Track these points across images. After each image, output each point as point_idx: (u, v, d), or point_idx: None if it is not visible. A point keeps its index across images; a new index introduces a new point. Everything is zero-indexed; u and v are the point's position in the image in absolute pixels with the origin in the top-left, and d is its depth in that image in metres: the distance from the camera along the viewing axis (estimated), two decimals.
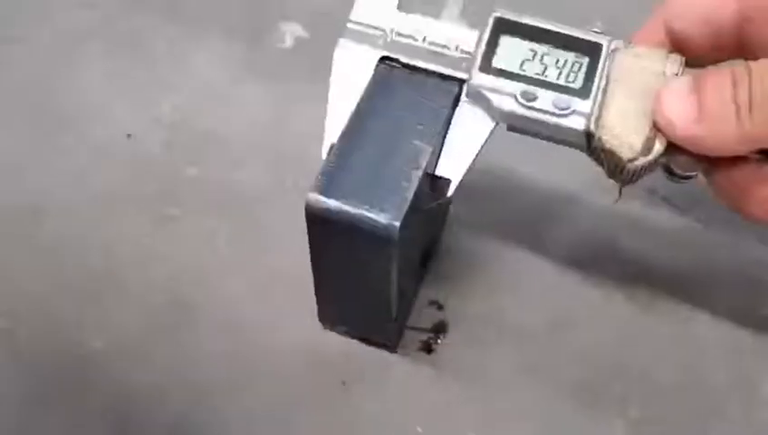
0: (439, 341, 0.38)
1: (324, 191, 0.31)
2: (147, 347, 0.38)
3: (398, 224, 0.31)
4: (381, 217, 0.31)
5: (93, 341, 0.38)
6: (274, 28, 0.50)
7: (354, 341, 0.38)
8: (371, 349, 0.38)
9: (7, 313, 0.39)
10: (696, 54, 0.34)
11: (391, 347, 0.38)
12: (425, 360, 0.38)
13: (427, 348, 0.38)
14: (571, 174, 0.43)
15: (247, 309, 0.39)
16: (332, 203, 0.31)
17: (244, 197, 0.43)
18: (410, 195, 0.32)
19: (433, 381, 0.37)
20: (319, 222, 0.32)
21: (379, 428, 0.36)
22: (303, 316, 0.38)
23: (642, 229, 0.42)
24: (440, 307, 0.39)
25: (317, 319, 0.38)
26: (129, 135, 0.45)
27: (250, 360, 0.37)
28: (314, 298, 0.37)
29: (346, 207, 0.31)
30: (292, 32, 0.50)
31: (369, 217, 0.31)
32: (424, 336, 0.38)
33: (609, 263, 0.41)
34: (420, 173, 0.32)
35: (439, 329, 0.39)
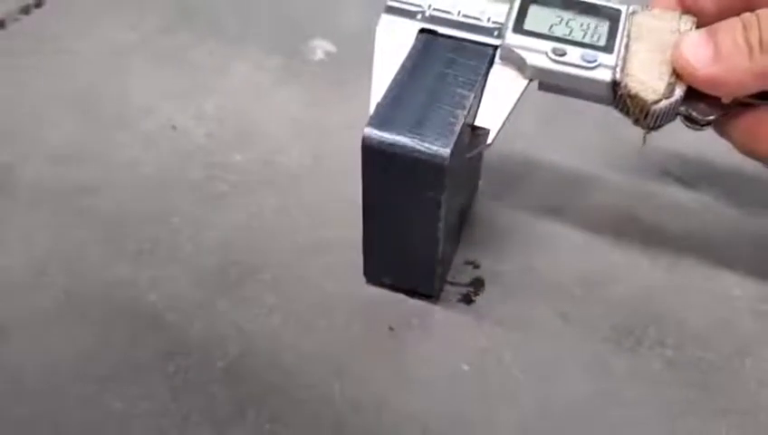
0: (478, 294, 0.40)
1: (379, 126, 0.34)
2: (199, 300, 0.39)
3: (448, 151, 0.34)
4: (434, 146, 0.34)
5: (148, 295, 0.39)
6: (307, 44, 0.55)
7: (398, 293, 0.40)
8: (415, 300, 0.40)
9: (67, 272, 0.40)
10: (705, 19, 0.38)
11: (434, 298, 0.40)
12: (465, 310, 0.40)
13: (467, 300, 0.40)
14: (589, 158, 0.47)
15: (294, 270, 0.41)
16: (387, 135, 0.34)
17: (286, 175, 0.46)
18: (458, 128, 0.34)
19: (474, 327, 0.39)
20: (375, 155, 0.35)
21: (427, 367, 0.37)
22: (348, 274, 0.40)
23: (658, 203, 0.45)
24: (476, 266, 0.42)
25: (362, 275, 0.40)
26: (174, 127, 0.48)
27: (301, 313, 0.39)
28: (358, 259, 0.39)
29: (400, 138, 0.34)
30: (322, 47, 0.55)
31: (422, 146, 0.34)
32: (464, 290, 0.40)
33: (630, 231, 0.44)
34: (465, 113, 0.35)
35: (477, 284, 0.41)
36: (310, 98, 0.51)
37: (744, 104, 0.36)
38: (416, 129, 0.34)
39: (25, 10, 0.57)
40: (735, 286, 0.41)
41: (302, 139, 0.48)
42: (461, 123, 0.35)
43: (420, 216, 0.36)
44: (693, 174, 0.46)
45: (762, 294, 0.41)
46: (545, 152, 0.47)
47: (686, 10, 0.38)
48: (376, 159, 0.35)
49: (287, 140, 0.48)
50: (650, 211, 0.45)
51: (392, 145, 0.34)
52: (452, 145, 0.34)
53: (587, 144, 0.47)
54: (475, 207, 0.44)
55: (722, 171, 0.46)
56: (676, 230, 0.44)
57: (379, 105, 0.36)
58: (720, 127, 0.38)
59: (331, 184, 0.45)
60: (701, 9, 0.38)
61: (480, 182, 0.45)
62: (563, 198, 0.45)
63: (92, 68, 0.52)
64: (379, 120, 0.35)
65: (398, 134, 0.34)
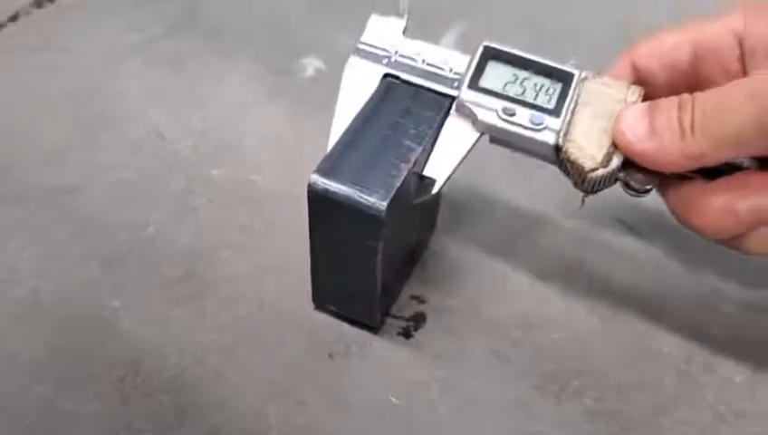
0: (418, 329, 0.43)
1: (325, 173, 0.37)
2: (157, 310, 0.42)
3: (385, 204, 0.36)
4: (371, 198, 0.36)
5: (112, 301, 0.43)
6: (298, 61, 0.57)
7: (342, 321, 0.42)
8: (356, 329, 0.42)
9: (38, 272, 0.44)
10: (656, 89, 0.40)
11: (374, 329, 0.42)
12: (404, 343, 0.42)
13: (407, 334, 0.43)
14: (550, 199, 0.49)
15: (251, 287, 0.44)
16: (331, 184, 0.37)
17: (259, 194, 0.48)
18: (398, 182, 0.37)
19: (410, 360, 0.41)
20: (318, 200, 0.37)
21: (359, 395, 0.40)
22: (299, 297, 0.43)
23: (609, 252, 0.47)
24: (422, 301, 0.44)
25: (311, 300, 0.43)
26: (161, 136, 0.51)
27: (249, 329, 0.42)
28: (309, 283, 0.42)
29: (342, 188, 0.36)
30: (313, 64, 0.57)
31: (361, 197, 0.36)
32: (404, 324, 0.43)
33: (576, 277, 0.46)
34: (409, 166, 0.37)
35: (419, 319, 0.43)
36: (295, 116, 0.53)
37: (682, 175, 0.38)
38: (358, 179, 0.37)
39: (38, 4, 0.60)
40: (664, 344, 0.43)
41: (280, 159, 0.50)
42: (403, 177, 0.37)
43: (360, 258, 0.38)
44: (646, 225, 0.48)
45: (687, 354, 0.42)
46: (507, 192, 0.49)
47: (638, 79, 0.40)
48: (320, 205, 0.37)
49: (265, 160, 0.50)
50: (599, 260, 0.46)
51: (335, 193, 0.36)
52: (389, 198, 0.36)
53: (548, 187, 0.49)
54: (431, 241, 0.47)
55: (675, 224, 0.48)
56: (621, 281, 0.46)
57: (329, 153, 0.38)
58: (659, 191, 0.39)
59: (299, 207, 0.47)
60: (652, 80, 0.40)
61: (439, 220, 0.47)
62: (518, 238, 0.47)
63: (92, 68, 0.55)
64: (326, 168, 0.37)
65: (341, 183, 0.37)
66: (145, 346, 0.41)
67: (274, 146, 0.51)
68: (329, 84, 0.54)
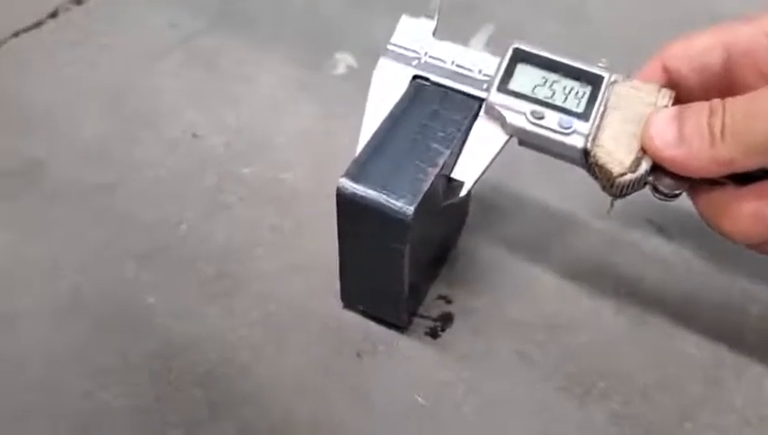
0: (445, 329, 0.43)
1: (353, 178, 0.37)
2: (191, 307, 0.44)
3: (412, 209, 0.36)
4: (398, 202, 0.37)
5: (147, 297, 0.44)
6: (331, 57, 0.57)
7: (370, 320, 0.43)
8: (384, 328, 0.43)
9: (77, 269, 0.45)
10: (689, 92, 0.39)
11: (402, 329, 0.43)
12: (431, 343, 0.43)
13: (434, 334, 0.43)
14: (581, 199, 0.48)
15: (281, 285, 0.45)
16: (359, 188, 0.37)
17: (288, 193, 0.49)
18: (425, 187, 0.37)
19: (436, 360, 0.42)
20: (347, 204, 0.38)
21: (385, 394, 0.41)
22: (328, 295, 0.44)
23: (638, 253, 0.47)
24: (449, 302, 0.44)
25: (339, 298, 0.43)
26: (195, 134, 0.52)
27: (278, 327, 0.43)
28: (338, 281, 0.42)
29: (370, 192, 0.37)
30: (345, 61, 0.57)
31: (388, 202, 0.37)
32: (432, 324, 0.43)
33: (605, 278, 0.46)
34: (437, 171, 0.38)
35: (446, 319, 0.44)
36: (326, 114, 0.54)
37: (712, 180, 0.38)
38: (386, 184, 0.37)
39: (77, 0, 0.62)
40: (693, 346, 0.43)
41: (310, 157, 0.51)
42: (430, 181, 0.37)
43: (387, 260, 0.39)
44: (676, 226, 0.47)
45: (716, 358, 0.42)
46: (538, 191, 0.49)
47: (671, 85, 0.39)
48: (348, 208, 0.38)
49: (296, 158, 0.51)
50: (628, 261, 0.46)
51: (363, 198, 0.37)
52: (416, 203, 0.36)
53: (579, 188, 0.48)
54: (460, 240, 0.47)
55: (705, 226, 0.47)
56: (650, 283, 0.45)
57: (358, 157, 0.38)
58: (690, 196, 0.39)
59: (329, 206, 0.48)
60: (683, 83, 0.39)
61: (468, 217, 0.47)
62: (548, 238, 0.47)
63: (130, 65, 0.57)
64: (355, 172, 0.38)
65: (369, 188, 0.37)
66: (179, 341, 0.42)
67: (305, 144, 0.52)
68: (359, 82, 0.54)
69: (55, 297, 0.44)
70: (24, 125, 0.53)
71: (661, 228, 0.48)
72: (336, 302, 0.44)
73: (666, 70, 0.40)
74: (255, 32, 0.59)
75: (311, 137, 0.52)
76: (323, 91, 0.55)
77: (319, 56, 0.57)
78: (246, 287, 0.45)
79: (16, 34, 0.59)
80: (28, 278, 0.44)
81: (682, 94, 0.39)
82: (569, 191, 0.49)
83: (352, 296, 0.43)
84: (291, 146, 0.52)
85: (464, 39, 0.42)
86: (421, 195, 0.37)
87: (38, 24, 0.60)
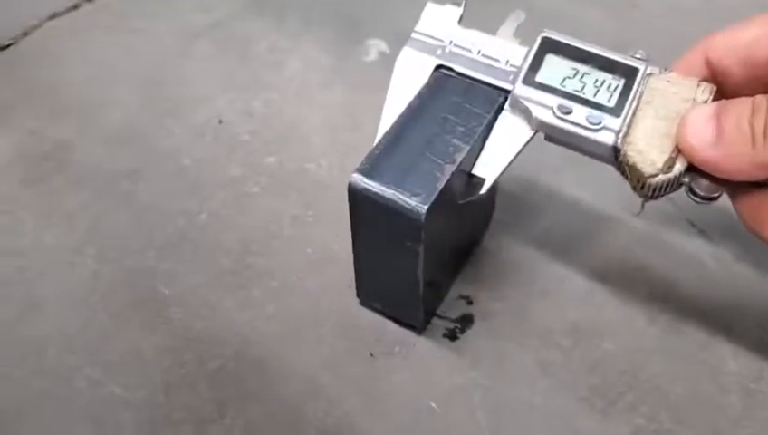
0: (465, 331, 0.41)
1: (366, 173, 0.36)
2: (206, 299, 0.43)
3: (425, 207, 0.35)
4: (412, 201, 0.35)
5: (164, 288, 0.43)
6: (363, 43, 0.56)
7: (386, 319, 0.42)
8: (401, 328, 0.41)
9: (99, 257, 0.45)
10: (733, 88, 0.36)
11: (418, 329, 0.41)
12: (448, 345, 0.41)
13: (452, 335, 0.41)
14: (612, 198, 0.46)
15: (299, 279, 0.43)
16: (372, 184, 0.36)
17: (311, 184, 0.48)
18: (441, 184, 0.35)
19: (452, 364, 0.40)
20: (359, 201, 0.36)
21: (398, 397, 0.39)
22: (346, 292, 0.42)
23: (675, 256, 0.44)
24: (470, 302, 0.43)
25: (356, 295, 0.42)
26: (222, 121, 0.51)
27: (293, 323, 0.42)
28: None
29: (383, 189, 0.35)
30: (377, 47, 0.55)
31: (401, 199, 0.35)
32: (450, 325, 0.42)
33: (637, 283, 0.43)
34: (454, 168, 0.36)
35: (465, 320, 0.42)
36: (353, 103, 0.52)
37: (753, 182, 0.35)
38: (400, 181, 0.35)
39: None
40: (731, 359, 0.40)
41: (334, 148, 0.50)
42: (446, 178, 0.35)
43: (401, 259, 0.37)
44: (717, 228, 0.45)
45: (755, 372, 0.39)
46: (568, 187, 0.47)
47: (715, 77, 0.36)
48: (361, 205, 0.36)
49: (321, 148, 0.50)
50: (663, 264, 0.44)
51: (376, 194, 0.35)
52: (431, 202, 0.35)
53: (611, 183, 0.46)
54: (486, 237, 0.45)
55: None
56: (686, 289, 0.43)
57: (372, 151, 0.37)
58: (730, 199, 0.36)
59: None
60: (727, 77, 0.36)
61: (495, 213, 0.45)
62: (577, 237, 0.45)
63: (161, 50, 0.56)
64: (368, 167, 0.36)
65: (382, 184, 0.35)
66: (192, 334, 0.42)
67: (331, 133, 0.51)
68: (391, 69, 0.53)
69: (76, 285, 0.43)
70: (55, 109, 0.53)
71: (701, 230, 0.45)
72: (353, 299, 0.42)
73: (708, 62, 0.37)
74: (287, 17, 0.58)
75: (338, 126, 0.51)
76: (354, 78, 0.54)
77: (351, 42, 0.56)
78: (263, 281, 0.44)
79: (53, 17, 0.59)
80: (51, 265, 0.44)
81: (725, 89, 0.36)
82: (602, 187, 0.46)
83: (368, 295, 0.41)
84: (317, 135, 0.51)
85: (493, 28, 0.39)
86: (436, 193, 0.35)
87: (75, 7, 0.60)
